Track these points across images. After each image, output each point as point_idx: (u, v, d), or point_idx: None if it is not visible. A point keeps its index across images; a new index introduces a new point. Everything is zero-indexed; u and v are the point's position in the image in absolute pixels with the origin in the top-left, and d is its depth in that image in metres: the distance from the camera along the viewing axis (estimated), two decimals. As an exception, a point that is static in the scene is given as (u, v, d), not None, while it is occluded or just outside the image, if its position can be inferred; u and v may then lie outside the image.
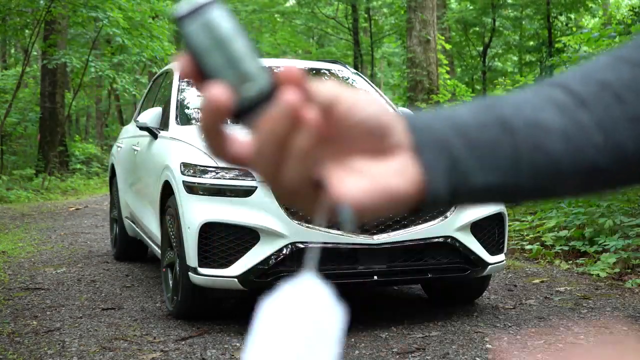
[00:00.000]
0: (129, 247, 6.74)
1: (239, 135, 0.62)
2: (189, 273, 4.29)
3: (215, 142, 0.60)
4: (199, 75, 0.57)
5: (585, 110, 0.64)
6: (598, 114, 0.64)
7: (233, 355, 3.87)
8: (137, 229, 6.13)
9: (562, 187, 0.66)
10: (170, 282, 4.70)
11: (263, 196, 4.17)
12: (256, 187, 4.18)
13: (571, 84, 0.65)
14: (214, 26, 0.55)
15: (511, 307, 4.88)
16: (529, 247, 6.97)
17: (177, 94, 5.57)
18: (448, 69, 15.30)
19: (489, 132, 0.63)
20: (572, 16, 21.68)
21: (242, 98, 0.56)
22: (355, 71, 6.50)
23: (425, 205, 0.62)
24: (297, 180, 0.58)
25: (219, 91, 0.55)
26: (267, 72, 0.56)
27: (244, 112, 0.57)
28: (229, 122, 0.59)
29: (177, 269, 4.51)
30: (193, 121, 5.54)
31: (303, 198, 0.60)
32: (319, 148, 0.57)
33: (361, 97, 0.60)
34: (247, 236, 4.18)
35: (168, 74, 6.25)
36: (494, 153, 0.62)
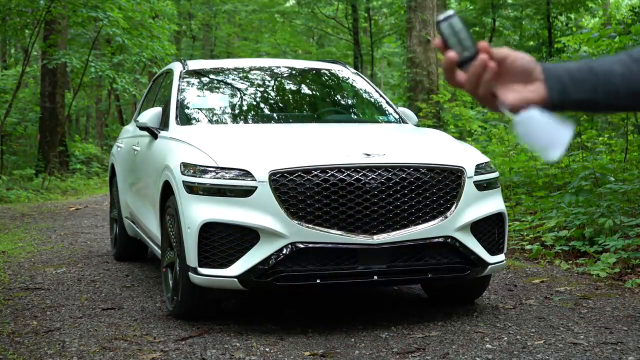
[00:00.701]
0: (129, 247, 6.74)
1: (460, 73, 1.28)
2: (189, 273, 4.29)
3: (450, 75, 1.28)
4: (445, 48, 1.24)
5: (635, 63, 1.27)
6: None
7: (233, 355, 3.87)
8: (137, 229, 6.13)
9: (621, 102, 1.28)
10: (170, 282, 4.70)
11: (263, 196, 4.17)
12: (256, 187, 4.18)
13: (633, 52, 1.29)
14: (453, 25, 1.23)
15: (511, 307, 4.88)
16: (529, 247, 6.96)
17: (177, 94, 5.57)
18: (448, 69, 15.27)
19: (582, 73, 1.28)
20: (572, 16, 21.68)
21: (462, 57, 1.24)
22: (355, 71, 6.50)
23: (546, 107, 1.26)
24: (485, 93, 1.26)
25: (453, 54, 1.25)
26: (475, 45, 1.24)
27: (463, 63, 1.25)
28: (457, 68, 1.27)
29: (177, 269, 4.51)
30: (193, 121, 5.54)
31: (488, 102, 1.28)
32: (496, 79, 1.25)
33: (519, 55, 1.27)
34: (247, 236, 4.18)
35: (168, 74, 6.25)
36: (584, 83, 1.28)
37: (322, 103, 6.29)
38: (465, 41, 1.23)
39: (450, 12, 1.24)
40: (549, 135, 1.19)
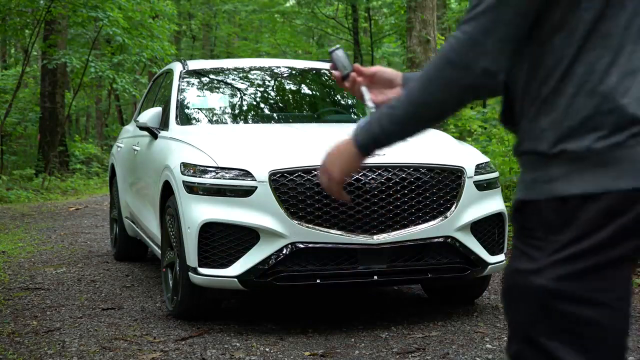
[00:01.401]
0: (129, 247, 6.74)
1: (345, 82, 1.84)
2: (189, 273, 4.29)
3: (339, 83, 1.85)
4: (334, 68, 1.85)
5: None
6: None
7: (233, 355, 3.87)
8: (137, 229, 6.13)
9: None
10: (170, 282, 4.70)
11: (263, 196, 4.17)
12: (256, 187, 4.18)
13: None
14: (338, 54, 1.85)
15: (511, 307, 4.88)
16: (529, 247, 6.96)
17: (177, 94, 5.57)
18: (448, 69, 15.28)
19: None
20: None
21: (343, 74, 1.82)
22: (355, 71, 6.50)
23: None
24: (357, 94, 1.83)
25: (337, 73, 1.84)
26: (352, 66, 1.82)
27: (345, 77, 1.82)
28: (341, 81, 1.84)
29: (177, 269, 4.51)
30: (193, 121, 5.54)
31: (361, 99, 1.80)
32: (368, 86, 1.82)
33: (385, 70, 1.84)
34: (247, 236, 4.18)
35: (168, 74, 6.25)
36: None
37: (322, 103, 6.29)
38: (346, 64, 1.83)
39: (337, 46, 1.91)
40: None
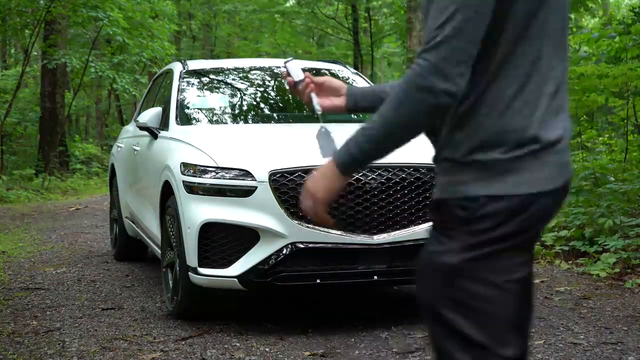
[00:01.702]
0: (129, 247, 6.74)
1: (298, 89, 2.07)
2: (189, 273, 4.29)
3: (291, 89, 2.07)
4: (288, 76, 2.06)
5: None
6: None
7: (233, 355, 3.87)
8: (137, 229, 6.13)
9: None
10: (170, 282, 4.70)
11: (263, 196, 4.17)
12: (256, 187, 4.18)
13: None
14: (292, 64, 2.08)
15: (511, 307, 4.88)
16: (529, 247, 6.96)
17: (177, 94, 5.57)
18: (448, 69, 15.26)
19: (368, 91, 2.09)
20: (572, 16, 21.67)
21: (296, 81, 2.05)
22: (355, 71, 6.50)
23: (347, 111, 2.09)
24: (306, 99, 2.05)
25: (291, 79, 2.05)
26: (304, 74, 2.07)
27: (297, 84, 2.05)
28: (293, 87, 2.07)
29: (177, 269, 4.51)
30: (193, 121, 5.54)
31: (309, 103, 2.05)
32: (318, 93, 2.06)
33: (332, 80, 2.09)
34: (247, 236, 4.18)
35: (168, 74, 6.25)
36: (367, 97, 2.08)
37: (322, 103, 6.29)
38: (299, 73, 2.04)
39: (291, 58, 2.16)
40: (326, 144, 1.96)
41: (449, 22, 1.55)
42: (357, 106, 2.08)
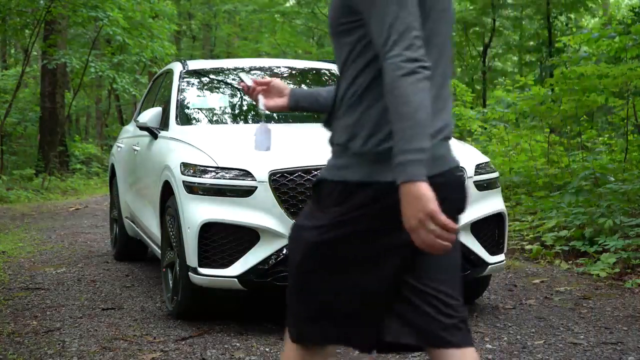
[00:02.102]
0: (129, 247, 6.74)
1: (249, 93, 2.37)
2: (189, 273, 4.29)
3: (245, 92, 2.37)
4: (241, 82, 2.38)
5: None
6: None
7: (233, 355, 3.87)
8: (137, 229, 6.13)
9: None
10: (170, 282, 4.70)
11: (263, 196, 4.17)
12: (256, 187, 4.18)
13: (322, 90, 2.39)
14: (245, 75, 2.44)
15: (511, 307, 4.88)
16: (529, 247, 6.97)
17: (177, 94, 5.57)
18: (448, 69, 15.26)
19: (307, 92, 2.36)
20: (572, 16, 21.69)
21: (248, 86, 2.33)
22: (355, 71, 6.49)
23: (289, 110, 2.37)
24: (255, 99, 2.34)
25: (244, 84, 2.36)
26: (252, 81, 2.36)
27: (248, 89, 2.34)
28: (246, 91, 2.37)
29: (177, 269, 4.51)
30: (193, 121, 5.54)
31: (256, 102, 2.33)
32: (263, 95, 2.34)
33: (277, 81, 2.34)
34: (247, 236, 4.18)
35: (168, 74, 6.25)
36: (307, 98, 2.35)
37: (322, 103, 6.28)
38: (248, 79, 2.31)
39: (243, 72, 2.52)
40: (264, 139, 2.35)
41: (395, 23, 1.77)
42: (297, 106, 2.34)
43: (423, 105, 1.73)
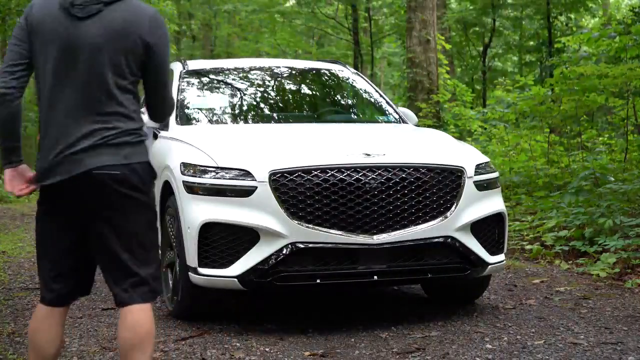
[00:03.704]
0: (129, 247, 6.72)
1: None
2: (189, 273, 4.29)
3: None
4: None
5: None
6: None
7: (233, 355, 3.87)
8: (137, 229, 6.12)
9: None
10: (170, 282, 4.70)
11: (263, 196, 4.17)
12: (256, 187, 4.18)
13: None
14: None
15: (511, 307, 4.88)
16: (529, 247, 6.97)
17: (177, 94, 5.57)
18: (448, 69, 15.29)
19: None
20: (572, 16, 21.68)
21: None
22: (355, 71, 6.50)
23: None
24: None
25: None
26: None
27: None
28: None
29: (177, 269, 4.51)
30: (193, 121, 5.54)
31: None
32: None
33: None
34: (247, 236, 4.18)
35: (168, 74, 6.24)
36: None
37: (322, 103, 6.29)
38: None
39: None
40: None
41: None
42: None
43: None
